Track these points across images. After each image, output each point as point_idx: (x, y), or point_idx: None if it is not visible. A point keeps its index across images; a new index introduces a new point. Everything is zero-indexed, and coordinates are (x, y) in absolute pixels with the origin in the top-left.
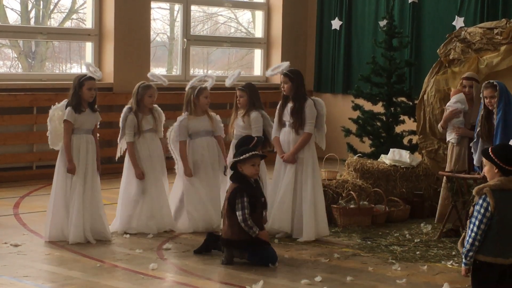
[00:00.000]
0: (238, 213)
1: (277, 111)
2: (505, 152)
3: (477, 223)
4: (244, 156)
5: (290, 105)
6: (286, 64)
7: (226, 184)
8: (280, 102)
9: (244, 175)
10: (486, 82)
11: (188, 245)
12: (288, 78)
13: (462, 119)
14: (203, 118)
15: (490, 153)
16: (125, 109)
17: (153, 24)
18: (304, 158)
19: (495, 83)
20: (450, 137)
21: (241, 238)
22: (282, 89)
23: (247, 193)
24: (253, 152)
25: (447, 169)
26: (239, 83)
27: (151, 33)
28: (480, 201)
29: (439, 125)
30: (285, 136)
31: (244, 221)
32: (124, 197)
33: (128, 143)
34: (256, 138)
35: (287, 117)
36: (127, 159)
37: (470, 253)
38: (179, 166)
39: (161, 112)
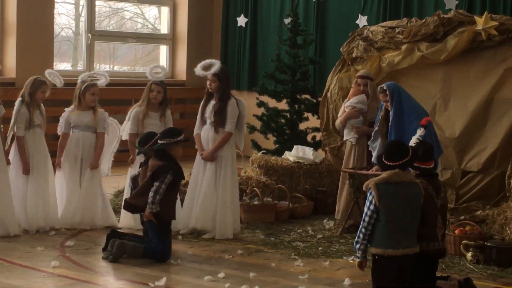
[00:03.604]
0: (156, 183)
1: (200, 108)
2: (389, 150)
3: (364, 217)
4: (179, 138)
5: (212, 102)
6: (218, 64)
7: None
8: (203, 99)
9: (172, 156)
10: (379, 87)
11: (91, 242)
12: (217, 77)
13: (361, 119)
14: (87, 113)
15: (382, 159)
16: (18, 102)
17: (58, 19)
18: (224, 157)
19: (384, 87)
20: (349, 136)
21: (144, 205)
22: (209, 86)
23: (174, 171)
24: (184, 136)
25: (344, 166)
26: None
27: (56, 27)
28: (368, 196)
29: (339, 120)
30: (205, 134)
31: (156, 192)
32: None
33: (19, 137)
34: (159, 134)
35: (208, 115)
36: (13, 154)
37: (357, 245)
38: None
39: (43, 108)
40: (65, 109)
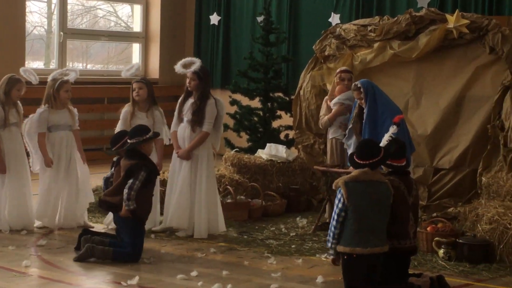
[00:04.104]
0: (130, 181)
1: (177, 105)
2: (360, 149)
3: (334, 215)
4: (148, 135)
5: (191, 101)
6: (198, 62)
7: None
8: (181, 97)
9: (143, 153)
10: (353, 84)
11: (63, 241)
12: (197, 76)
13: (348, 115)
14: (63, 112)
15: (354, 158)
16: None
17: (30, 17)
18: (199, 155)
19: (359, 85)
20: (337, 134)
21: (119, 203)
22: (188, 84)
23: (147, 168)
24: (153, 132)
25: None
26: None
27: (28, 26)
28: (337, 194)
29: (327, 117)
30: (181, 132)
31: (130, 188)
32: None
33: None
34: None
35: (186, 113)
36: None
37: (329, 244)
38: (33, 160)
39: (21, 106)
40: (38, 108)
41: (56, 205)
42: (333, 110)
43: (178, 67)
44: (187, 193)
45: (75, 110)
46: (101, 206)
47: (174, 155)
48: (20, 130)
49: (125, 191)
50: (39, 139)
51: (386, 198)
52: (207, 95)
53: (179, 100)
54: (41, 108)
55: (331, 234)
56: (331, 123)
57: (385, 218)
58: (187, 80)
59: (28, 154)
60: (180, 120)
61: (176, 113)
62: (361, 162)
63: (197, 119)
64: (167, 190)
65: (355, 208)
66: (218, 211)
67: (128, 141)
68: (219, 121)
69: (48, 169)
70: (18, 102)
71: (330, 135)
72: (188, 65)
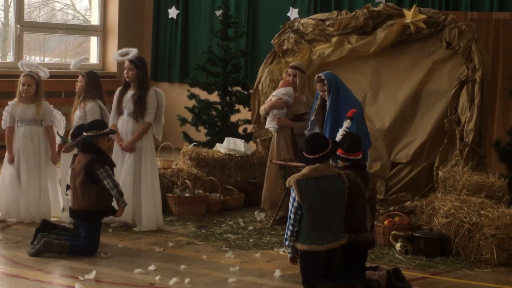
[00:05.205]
0: (107, 181)
1: (115, 97)
2: (308, 143)
3: (290, 214)
4: (105, 130)
5: (130, 92)
6: (135, 51)
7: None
8: (120, 89)
9: (99, 148)
10: (316, 76)
11: (19, 236)
12: (135, 65)
13: (285, 111)
14: (30, 106)
15: (303, 153)
16: None
17: None
18: (143, 148)
19: (322, 76)
20: (270, 125)
21: (98, 207)
22: (126, 75)
23: (107, 163)
24: (110, 129)
25: (270, 157)
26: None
27: None
28: (292, 193)
29: (263, 107)
30: (123, 124)
31: (116, 187)
32: None
33: None
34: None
35: (126, 105)
36: None
37: (287, 242)
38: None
39: None
40: (9, 102)
41: (29, 200)
42: (270, 102)
43: (116, 56)
44: (130, 186)
45: (51, 107)
46: (77, 216)
47: (116, 147)
48: None
49: (112, 192)
50: (6, 133)
51: (340, 191)
52: (146, 85)
53: (117, 92)
54: (11, 102)
55: (289, 233)
56: (267, 113)
57: (341, 212)
58: (125, 71)
59: None
60: (120, 112)
61: (114, 105)
62: (311, 156)
63: (140, 110)
64: None
65: (309, 206)
66: (160, 203)
67: (84, 133)
68: (160, 112)
69: (15, 164)
70: None
71: (266, 125)
72: (124, 55)
